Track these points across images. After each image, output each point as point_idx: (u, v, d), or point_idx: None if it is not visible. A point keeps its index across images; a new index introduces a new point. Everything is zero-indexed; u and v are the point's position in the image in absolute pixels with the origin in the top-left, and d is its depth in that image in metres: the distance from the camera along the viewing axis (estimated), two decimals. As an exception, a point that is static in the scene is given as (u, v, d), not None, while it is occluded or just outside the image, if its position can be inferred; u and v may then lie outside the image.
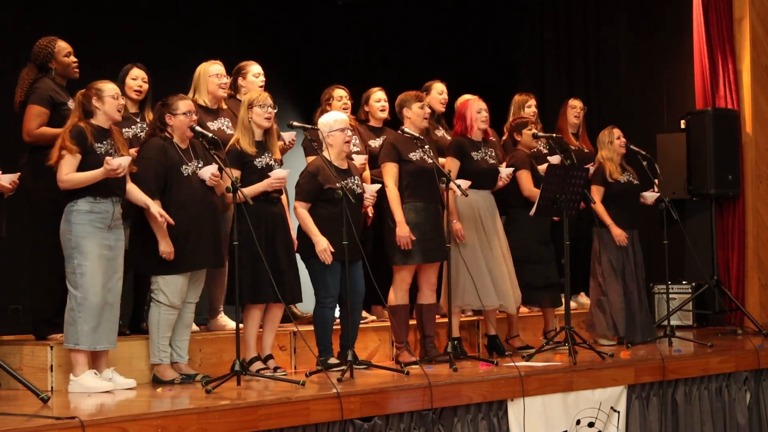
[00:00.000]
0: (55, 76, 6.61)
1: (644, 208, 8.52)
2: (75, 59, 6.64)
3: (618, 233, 8.20)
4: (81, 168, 5.91)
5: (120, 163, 5.86)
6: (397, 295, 7.19)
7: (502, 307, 7.52)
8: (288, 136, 7.18)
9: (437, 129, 8.13)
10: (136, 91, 6.93)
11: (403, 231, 7.04)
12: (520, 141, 8.06)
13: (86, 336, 5.89)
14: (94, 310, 5.89)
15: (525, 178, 7.91)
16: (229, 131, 7.04)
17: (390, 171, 7.16)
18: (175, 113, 6.32)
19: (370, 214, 7.45)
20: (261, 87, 7.28)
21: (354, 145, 7.40)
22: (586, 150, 8.82)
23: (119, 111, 6.11)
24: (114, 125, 6.14)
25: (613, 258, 8.24)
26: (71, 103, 6.49)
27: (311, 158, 7.20)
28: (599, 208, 8.18)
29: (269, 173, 6.52)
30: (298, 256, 6.82)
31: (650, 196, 8.35)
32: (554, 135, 8.30)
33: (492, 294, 7.38)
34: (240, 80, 7.38)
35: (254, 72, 7.37)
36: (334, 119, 6.89)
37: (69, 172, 5.90)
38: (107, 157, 5.85)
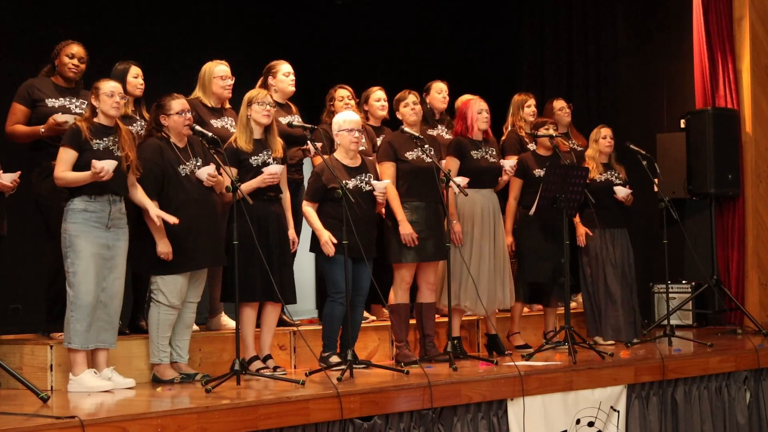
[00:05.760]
0: (56, 73, 6.66)
1: (640, 208, 8.50)
2: (76, 62, 6.64)
3: (581, 233, 8.18)
4: (78, 164, 5.94)
5: (103, 166, 5.84)
6: (397, 294, 7.20)
7: (467, 308, 7.49)
8: (312, 145, 7.16)
9: (433, 129, 8.11)
10: (139, 89, 6.96)
11: (406, 229, 7.05)
12: (538, 141, 8.06)
13: (79, 335, 5.89)
14: (85, 309, 5.89)
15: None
16: (233, 129, 7.05)
17: (387, 170, 7.17)
18: (169, 113, 6.33)
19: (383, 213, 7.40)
20: (291, 85, 7.32)
21: (362, 144, 7.42)
22: (579, 148, 8.80)
23: (115, 108, 6.09)
24: (123, 124, 6.17)
25: (593, 259, 8.21)
26: (51, 101, 6.56)
27: (318, 158, 7.20)
28: None
29: (263, 169, 6.53)
30: (302, 255, 6.84)
31: (620, 190, 8.30)
32: (553, 135, 8.28)
33: (471, 296, 7.37)
34: (270, 79, 7.37)
35: (284, 71, 7.37)
36: (344, 119, 6.91)
37: (65, 169, 5.94)
38: (93, 160, 5.86)
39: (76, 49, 6.66)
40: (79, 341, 5.89)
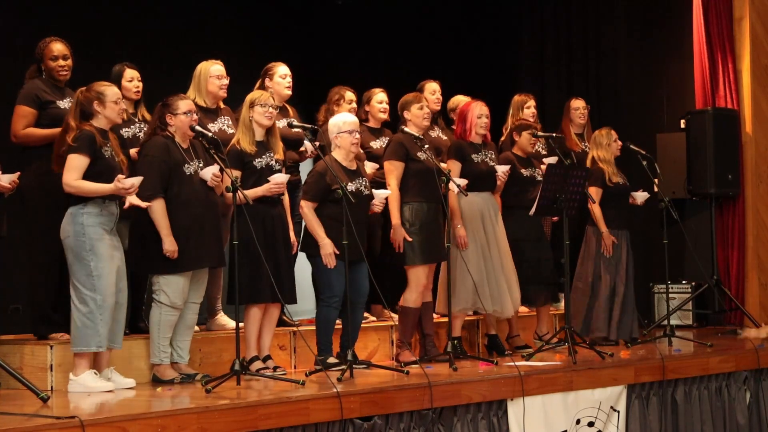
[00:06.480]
0: (45, 77, 6.60)
1: (641, 208, 8.50)
2: (63, 63, 6.58)
3: (609, 243, 8.17)
4: (89, 171, 5.87)
5: (132, 183, 5.86)
6: (411, 297, 7.16)
7: (496, 312, 7.50)
8: (311, 146, 7.18)
9: (432, 129, 8.10)
10: (135, 92, 6.94)
11: (399, 234, 7.06)
12: (517, 142, 8.04)
13: (102, 338, 5.88)
14: (107, 311, 5.89)
15: None
16: (230, 130, 7.04)
17: (395, 170, 7.17)
18: (176, 113, 6.32)
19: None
20: (288, 88, 7.32)
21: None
22: None
23: (120, 116, 6.10)
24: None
25: (604, 259, 8.20)
26: (62, 103, 6.51)
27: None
28: (597, 211, 8.13)
29: (269, 177, 6.52)
30: (302, 255, 6.83)
31: (640, 196, 8.32)
32: (554, 135, 8.29)
33: (487, 297, 7.38)
34: (267, 81, 7.36)
35: (281, 73, 7.36)
36: (343, 121, 6.90)
37: (77, 177, 5.84)
38: (119, 175, 5.83)
39: (56, 49, 6.56)
40: (97, 343, 5.87)
